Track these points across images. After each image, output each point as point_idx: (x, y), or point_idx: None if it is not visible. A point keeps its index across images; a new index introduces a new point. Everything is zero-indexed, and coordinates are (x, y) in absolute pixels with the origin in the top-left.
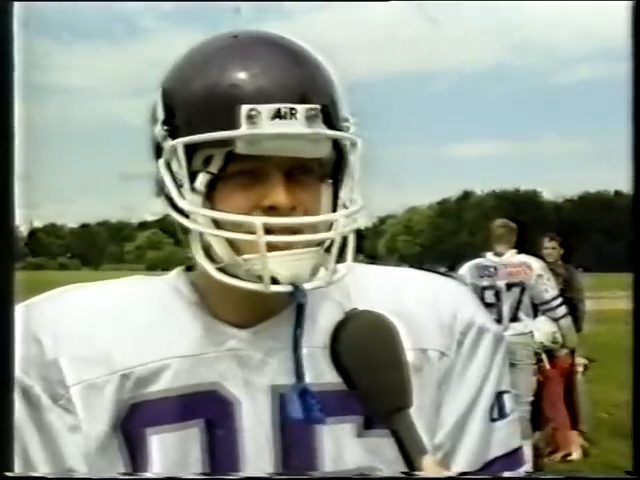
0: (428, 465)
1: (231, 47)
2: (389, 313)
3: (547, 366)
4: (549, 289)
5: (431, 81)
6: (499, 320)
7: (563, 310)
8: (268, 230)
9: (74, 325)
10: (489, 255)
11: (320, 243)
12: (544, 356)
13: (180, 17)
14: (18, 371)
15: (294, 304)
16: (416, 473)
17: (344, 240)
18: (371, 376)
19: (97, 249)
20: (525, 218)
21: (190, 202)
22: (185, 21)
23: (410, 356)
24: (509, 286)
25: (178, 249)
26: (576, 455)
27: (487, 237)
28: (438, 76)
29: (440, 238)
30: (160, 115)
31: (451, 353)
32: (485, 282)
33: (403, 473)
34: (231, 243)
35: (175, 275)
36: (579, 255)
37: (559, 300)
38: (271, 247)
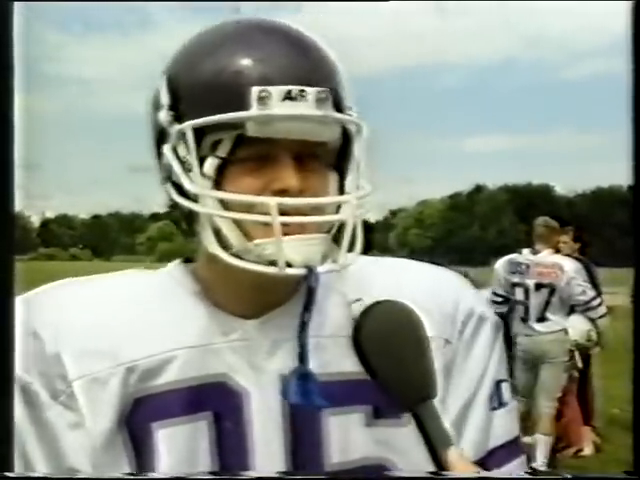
0: (453, 457)
1: (238, 32)
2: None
3: (579, 364)
4: (587, 290)
5: (441, 74)
6: (525, 319)
7: (603, 309)
8: (281, 213)
9: (75, 318)
10: (525, 252)
11: (328, 230)
12: (577, 354)
13: (193, 8)
14: (17, 368)
15: (299, 294)
16: (444, 473)
17: (353, 230)
18: (395, 367)
19: (108, 240)
20: (537, 213)
21: (200, 186)
22: (197, 12)
23: None
24: (538, 286)
25: (189, 241)
26: (588, 451)
27: (528, 233)
28: (448, 69)
29: (451, 232)
30: (165, 100)
31: (454, 341)
32: (516, 279)
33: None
34: (241, 228)
35: (174, 267)
36: (592, 250)
37: (599, 300)
38: (282, 233)
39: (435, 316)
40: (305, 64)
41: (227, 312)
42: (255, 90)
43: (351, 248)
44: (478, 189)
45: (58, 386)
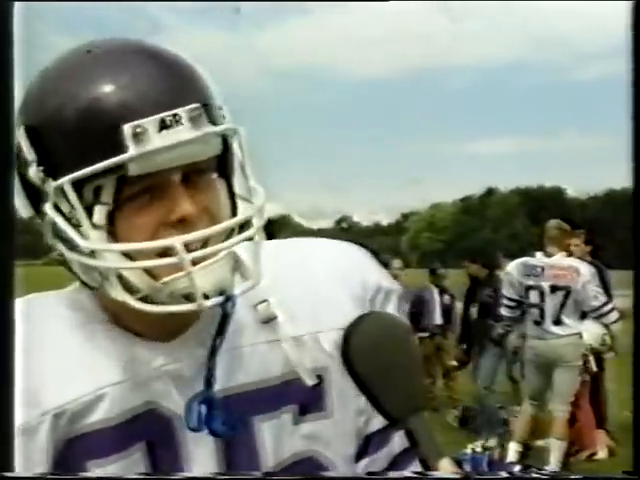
0: (445, 467)
1: (92, 64)
2: (301, 295)
3: (594, 368)
4: (599, 295)
5: (451, 77)
6: (540, 321)
7: (615, 315)
8: (185, 245)
9: None
10: (539, 255)
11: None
12: (591, 358)
13: (202, 13)
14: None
15: (207, 311)
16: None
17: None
18: (385, 380)
19: None
20: (549, 215)
21: (95, 240)
22: (207, 17)
23: (333, 336)
24: (553, 288)
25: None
26: (602, 454)
27: (540, 236)
28: (458, 72)
29: (463, 235)
30: (31, 156)
31: None
32: (530, 281)
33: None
34: (146, 270)
35: (78, 294)
36: (605, 252)
37: (610, 305)
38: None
39: (346, 305)
40: (170, 84)
41: (143, 338)
42: (128, 128)
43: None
44: (490, 192)
45: None
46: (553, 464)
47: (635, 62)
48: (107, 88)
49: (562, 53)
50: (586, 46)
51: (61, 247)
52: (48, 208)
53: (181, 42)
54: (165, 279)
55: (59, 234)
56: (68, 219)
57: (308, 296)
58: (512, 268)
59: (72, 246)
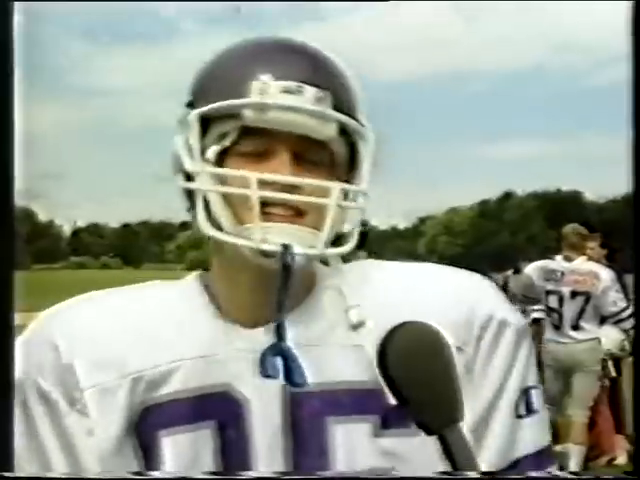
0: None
1: (247, 43)
2: (397, 307)
3: (613, 373)
4: (618, 301)
5: (470, 81)
6: (559, 326)
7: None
8: (265, 203)
9: (88, 330)
10: (558, 258)
11: (319, 228)
12: (610, 363)
13: (222, 19)
14: (38, 377)
15: (304, 304)
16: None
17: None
18: (422, 390)
19: (138, 249)
20: (567, 219)
21: (198, 167)
22: (224, 23)
23: None
24: (573, 294)
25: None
26: (621, 459)
27: (558, 240)
28: (477, 76)
29: (481, 239)
30: (187, 100)
31: (469, 348)
32: (550, 286)
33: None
34: (235, 213)
35: (190, 278)
36: (623, 256)
37: (629, 311)
38: (269, 219)
39: (446, 322)
40: (308, 67)
41: (232, 322)
42: (255, 83)
43: (339, 242)
44: (507, 196)
45: (74, 394)
46: (572, 469)
47: (635, 63)
48: (254, 56)
49: (580, 57)
50: (606, 49)
51: (179, 178)
52: (178, 139)
53: (195, 47)
54: (247, 225)
55: (180, 166)
56: (189, 151)
57: (403, 313)
58: (531, 271)
59: (187, 176)
